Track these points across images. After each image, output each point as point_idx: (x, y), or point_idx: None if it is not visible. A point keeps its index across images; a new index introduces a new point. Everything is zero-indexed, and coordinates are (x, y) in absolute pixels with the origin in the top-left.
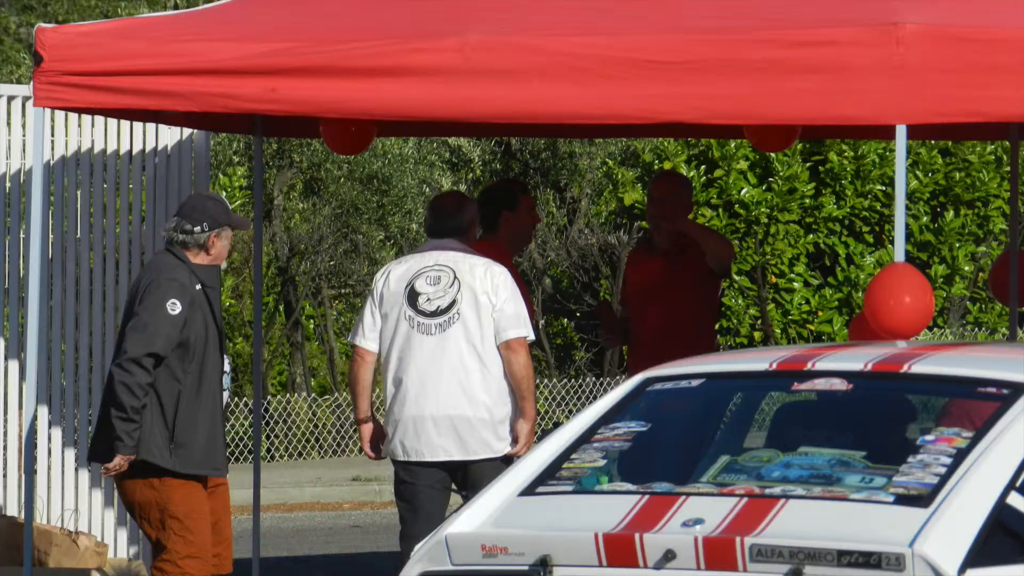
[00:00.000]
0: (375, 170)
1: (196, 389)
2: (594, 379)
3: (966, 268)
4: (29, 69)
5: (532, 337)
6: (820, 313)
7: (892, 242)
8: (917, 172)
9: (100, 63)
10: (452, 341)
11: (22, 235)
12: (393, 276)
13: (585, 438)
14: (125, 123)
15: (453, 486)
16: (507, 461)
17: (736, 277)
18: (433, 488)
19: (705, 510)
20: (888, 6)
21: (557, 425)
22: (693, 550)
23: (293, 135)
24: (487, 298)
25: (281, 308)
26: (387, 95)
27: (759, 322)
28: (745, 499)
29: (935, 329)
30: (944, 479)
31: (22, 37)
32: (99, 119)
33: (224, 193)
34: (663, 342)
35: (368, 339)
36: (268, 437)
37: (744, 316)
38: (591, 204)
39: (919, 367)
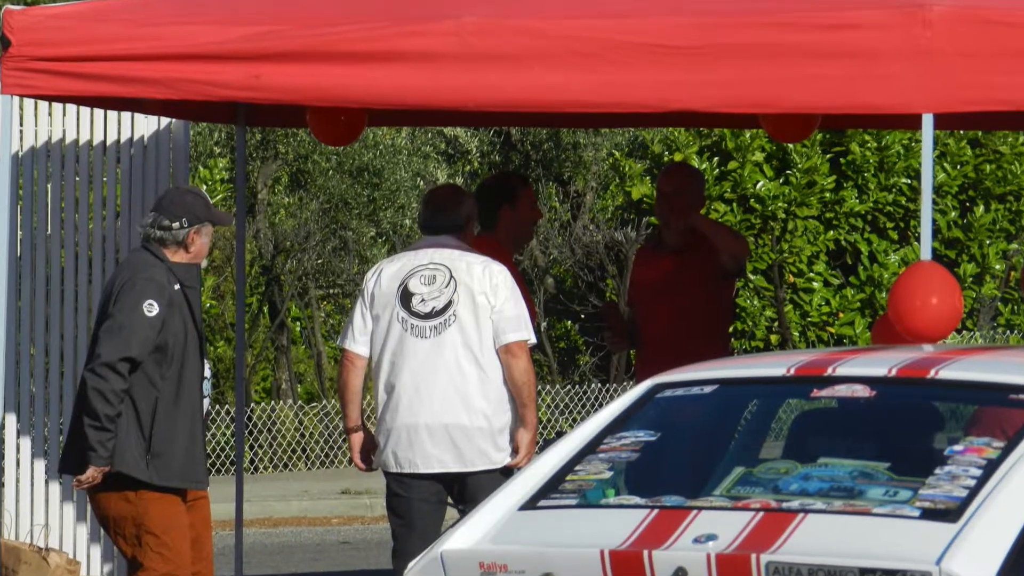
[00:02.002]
0: (366, 162)
1: (174, 396)
2: (599, 385)
3: (997, 266)
4: None
5: (533, 340)
6: (841, 315)
7: (918, 239)
8: (945, 164)
9: (72, 48)
10: (448, 345)
11: None
12: (385, 275)
13: (590, 448)
14: (99, 112)
15: (449, 499)
16: (507, 473)
17: (751, 276)
18: (428, 502)
19: (718, 525)
20: None
21: (560, 434)
22: (705, 568)
23: (278, 125)
24: (485, 299)
25: (265, 309)
26: (379, 82)
27: (776, 324)
28: (761, 513)
29: (964, 332)
30: (973, 492)
31: None
32: (71, 107)
33: (204, 187)
34: (673, 346)
35: (358, 342)
36: (251, 447)
37: (760, 318)
38: (596, 198)
39: (947, 372)
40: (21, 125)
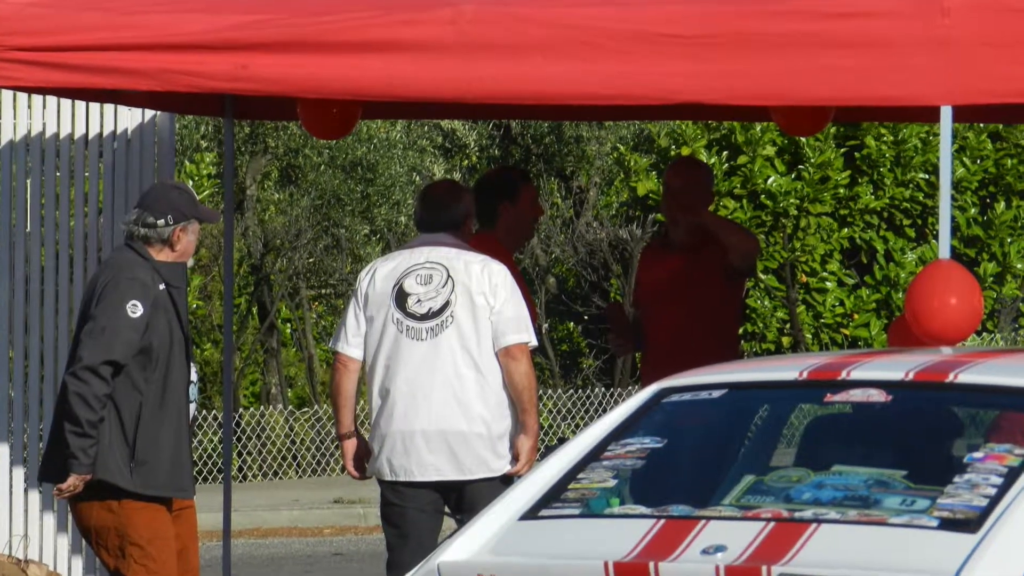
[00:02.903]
0: (359, 156)
1: (159, 401)
2: (603, 389)
3: (1018, 265)
4: None
5: (534, 343)
6: (856, 316)
7: (936, 237)
8: (964, 159)
9: (52, 37)
10: (445, 347)
11: None
12: (379, 275)
13: (594, 455)
14: (80, 104)
15: (446, 509)
16: (506, 481)
17: (762, 276)
18: (424, 511)
19: (727, 536)
20: None
21: (562, 441)
22: None
23: (267, 117)
24: (484, 299)
25: (254, 310)
26: (372, 73)
27: (788, 326)
28: (772, 523)
29: (984, 334)
30: (994, 501)
31: None
32: (51, 100)
33: (191, 182)
34: (680, 348)
35: (351, 345)
36: (240, 454)
37: (771, 319)
38: (600, 194)
39: (966, 376)
40: None
